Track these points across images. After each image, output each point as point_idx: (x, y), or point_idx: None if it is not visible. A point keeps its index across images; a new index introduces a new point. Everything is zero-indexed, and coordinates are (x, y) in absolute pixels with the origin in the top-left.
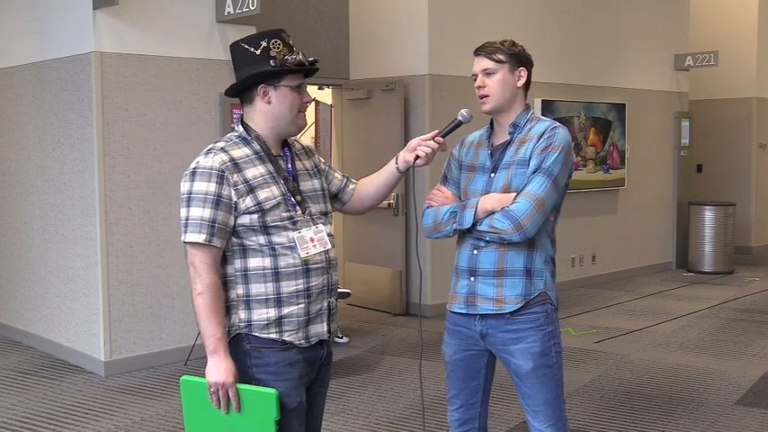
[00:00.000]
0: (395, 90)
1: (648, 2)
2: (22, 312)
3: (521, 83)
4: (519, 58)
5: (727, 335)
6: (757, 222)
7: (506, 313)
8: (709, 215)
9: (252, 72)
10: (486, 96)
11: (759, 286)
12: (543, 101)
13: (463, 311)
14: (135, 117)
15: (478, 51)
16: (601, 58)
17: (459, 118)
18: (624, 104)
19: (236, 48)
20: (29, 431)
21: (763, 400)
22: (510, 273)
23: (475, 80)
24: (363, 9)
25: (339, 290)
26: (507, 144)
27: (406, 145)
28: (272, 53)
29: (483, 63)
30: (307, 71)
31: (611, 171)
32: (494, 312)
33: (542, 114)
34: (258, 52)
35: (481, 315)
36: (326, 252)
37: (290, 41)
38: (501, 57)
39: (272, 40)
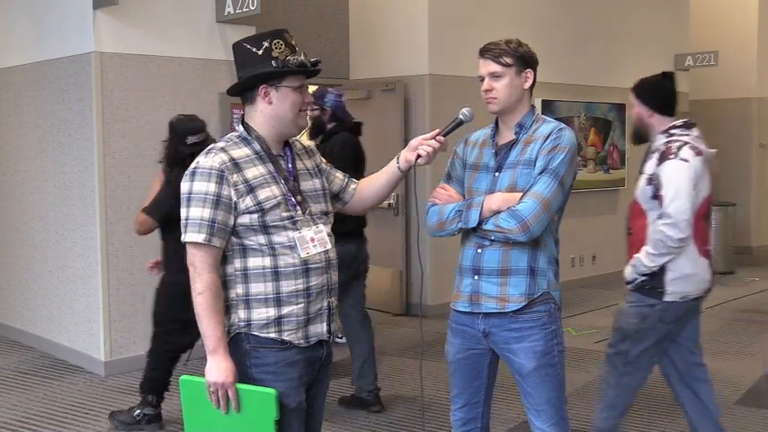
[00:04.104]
0: (395, 90)
1: (648, 2)
2: (21, 312)
3: (527, 84)
4: (525, 60)
5: (727, 335)
6: (757, 222)
7: (509, 312)
8: None
9: (253, 72)
10: (493, 98)
11: (759, 286)
12: (543, 101)
13: (467, 310)
14: (135, 117)
15: (485, 54)
16: (601, 58)
17: (461, 117)
18: (624, 104)
19: (238, 47)
20: (29, 431)
21: (763, 401)
22: (514, 272)
23: (481, 81)
24: (363, 9)
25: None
26: (512, 144)
27: (406, 145)
28: (274, 54)
29: (490, 66)
30: (308, 72)
31: (611, 171)
32: (497, 311)
33: (542, 114)
34: (260, 52)
35: (484, 314)
36: (326, 252)
37: (293, 42)
38: (508, 60)
39: (275, 41)
